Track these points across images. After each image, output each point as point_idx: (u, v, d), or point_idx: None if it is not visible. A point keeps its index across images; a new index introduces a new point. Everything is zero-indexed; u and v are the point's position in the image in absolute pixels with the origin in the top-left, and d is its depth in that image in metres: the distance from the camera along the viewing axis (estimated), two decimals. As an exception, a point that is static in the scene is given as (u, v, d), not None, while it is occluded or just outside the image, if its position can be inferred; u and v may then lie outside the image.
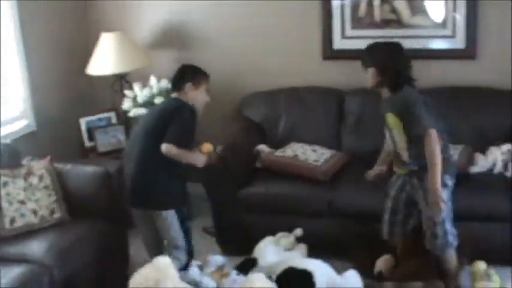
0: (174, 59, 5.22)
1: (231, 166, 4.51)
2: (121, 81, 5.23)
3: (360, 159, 4.59)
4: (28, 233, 3.91)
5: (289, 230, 4.27)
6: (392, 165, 4.04)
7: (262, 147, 4.86)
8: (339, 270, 3.85)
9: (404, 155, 3.84)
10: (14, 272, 3.51)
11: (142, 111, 4.84)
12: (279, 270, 3.81)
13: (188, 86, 3.97)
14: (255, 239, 4.25)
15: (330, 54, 5.13)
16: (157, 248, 4.06)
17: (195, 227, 4.66)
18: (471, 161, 4.46)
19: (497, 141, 4.52)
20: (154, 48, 5.43)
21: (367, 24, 5.03)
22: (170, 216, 3.91)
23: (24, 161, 4.23)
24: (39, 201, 4.02)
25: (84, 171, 4.26)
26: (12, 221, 3.90)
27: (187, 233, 4.05)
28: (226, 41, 5.33)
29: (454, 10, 4.82)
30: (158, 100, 4.87)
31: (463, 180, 4.30)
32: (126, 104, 5.04)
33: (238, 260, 4.06)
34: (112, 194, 4.22)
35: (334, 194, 4.40)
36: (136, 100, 5.01)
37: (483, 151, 4.52)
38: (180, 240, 3.98)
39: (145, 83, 5.05)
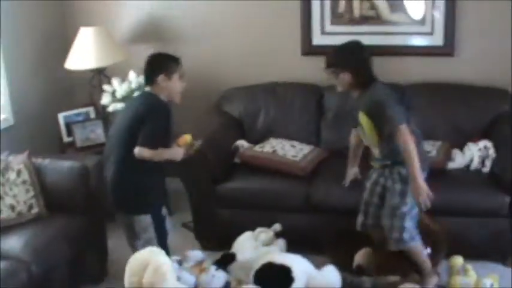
0: (153, 54, 5.20)
1: (210, 161, 4.50)
2: (100, 76, 5.20)
3: (338, 154, 4.60)
4: (5, 228, 3.88)
5: (268, 225, 4.28)
6: (365, 157, 4.11)
7: (241, 143, 4.87)
8: (318, 265, 3.86)
9: (376, 152, 3.88)
10: (-9, 267, 3.49)
11: (121, 106, 4.82)
12: (258, 265, 3.82)
13: (161, 78, 3.80)
14: (234, 234, 4.26)
15: (309, 49, 5.14)
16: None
17: (174, 222, 4.67)
18: (449, 157, 4.49)
19: (475, 138, 4.55)
20: (134, 43, 5.40)
21: (346, 20, 5.04)
22: (146, 220, 3.83)
23: (2, 156, 4.18)
24: (17, 196, 4.00)
25: (62, 166, 4.23)
26: (-11, 216, 3.88)
27: (163, 237, 3.93)
28: (205, 35, 5.32)
29: (433, 7, 4.85)
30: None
31: (440, 176, 4.35)
32: (105, 99, 5.02)
33: (217, 255, 4.07)
34: (90, 189, 4.20)
35: (312, 189, 4.41)
36: (115, 95, 4.98)
37: (461, 147, 4.56)
38: (154, 244, 3.83)
39: (124, 78, 5.03)
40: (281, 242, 4.22)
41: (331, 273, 3.83)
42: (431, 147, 4.50)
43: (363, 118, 3.81)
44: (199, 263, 3.96)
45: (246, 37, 5.27)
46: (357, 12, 5.00)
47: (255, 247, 4.10)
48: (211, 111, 5.15)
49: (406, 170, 3.71)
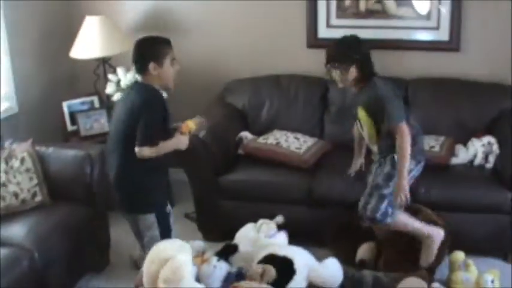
0: (158, 44, 5.20)
1: (213, 153, 4.51)
2: (104, 65, 5.21)
3: (341, 147, 4.61)
4: (9, 216, 3.90)
5: (271, 217, 4.28)
6: (368, 152, 4.15)
7: (245, 134, 4.87)
8: (319, 258, 3.86)
9: (374, 148, 3.91)
10: (-6, 254, 3.50)
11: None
12: (260, 257, 3.82)
13: (151, 66, 3.62)
14: (236, 225, 4.26)
15: (315, 42, 5.13)
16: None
17: (177, 213, 4.67)
18: (452, 153, 4.49)
19: (478, 133, 4.55)
20: (139, 33, 5.34)
21: (352, 14, 5.04)
22: (150, 218, 3.78)
23: (6, 144, 4.20)
24: (21, 184, 4.01)
25: (65, 155, 4.24)
26: (-7, 203, 3.90)
27: (167, 235, 3.85)
28: (210, 27, 5.32)
29: (439, 3, 4.84)
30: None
31: (444, 172, 4.36)
32: (110, 88, 5.02)
33: (219, 246, 4.07)
34: (93, 178, 4.20)
35: (315, 182, 4.41)
36: (120, 84, 4.98)
37: (464, 143, 4.55)
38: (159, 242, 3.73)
39: (129, 68, 5.01)
40: (283, 234, 4.22)
41: (332, 266, 3.83)
42: (435, 143, 4.50)
43: (362, 114, 3.81)
44: (200, 253, 3.97)
45: (251, 29, 5.26)
46: (362, 5, 5.00)
47: (257, 239, 4.10)
48: (215, 102, 5.15)
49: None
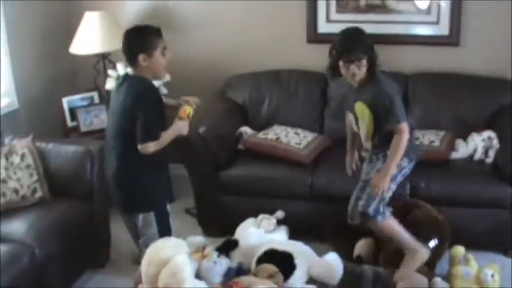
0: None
1: (213, 148, 4.51)
2: (104, 61, 5.20)
3: (341, 143, 4.57)
4: (9, 212, 3.90)
5: (271, 212, 4.29)
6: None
7: (245, 129, 4.87)
8: (320, 253, 3.87)
9: (367, 145, 3.87)
10: (-5, 250, 3.51)
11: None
12: (260, 252, 3.83)
13: (141, 58, 3.51)
14: (236, 220, 4.27)
15: (314, 37, 5.13)
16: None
17: (177, 208, 4.67)
18: (452, 147, 4.49)
19: (478, 128, 4.55)
20: (138, 28, 5.39)
21: (352, 9, 5.02)
22: (149, 217, 3.72)
23: (6, 140, 4.20)
24: (21, 180, 4.01)
25: (66, 151, 4.23)
26: (-7, 199, 3.90)
27: (167, 234, 3.77)
28: (210, 22, 5.31)
29: (439, -4, 4.84)
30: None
31: (444, 166, 4.36)
32: (109, 84, 5.02)
33: (220, 241, 4.08)
34: (93, 174, 4.20)
35: (315, 177, 4.41)
36: (120, 80, 4.98)
37: (464, 137, 4.55)
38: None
39: (128, 63, 5.02)
40: (283, 229, 4.23)
41: (333, 261, 3.84)
42: (435, 137, 4.50)
43: (363, 110, 3.75)
44: (200, 248, 3.97)
45: (251, 24, 5.25)
46: (362, 0, 4.99)
47: (257, 234, 4.11)
48: (215, 97, 5.15)
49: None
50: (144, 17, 5.38)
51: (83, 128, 5.11)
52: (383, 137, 3.74)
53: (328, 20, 5.08)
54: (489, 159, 4.40)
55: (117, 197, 3.75)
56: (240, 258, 3.94)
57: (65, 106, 5.20)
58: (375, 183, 3.70)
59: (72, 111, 5.18)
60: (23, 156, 4.06)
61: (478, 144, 4.43)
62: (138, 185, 3.64)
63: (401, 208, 4.02)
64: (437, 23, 4.89)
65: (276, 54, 5.23)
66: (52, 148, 4.24)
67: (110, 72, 5.05)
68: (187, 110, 3.76)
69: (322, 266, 3.77)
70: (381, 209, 3.78)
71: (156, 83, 4.44)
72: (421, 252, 3.85)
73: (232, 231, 4.21)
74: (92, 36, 5.01)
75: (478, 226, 4.20)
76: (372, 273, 3.84)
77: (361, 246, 4.10)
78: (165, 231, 3.77)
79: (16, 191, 3.97)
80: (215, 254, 3.85)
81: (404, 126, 3.64)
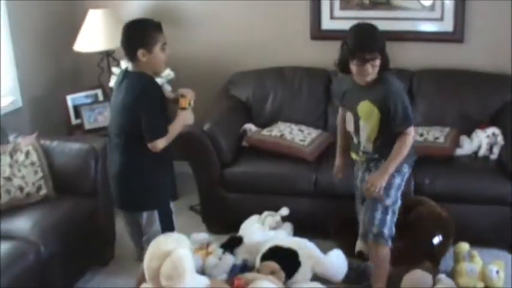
0: (161, 37, 5.20)
1: (218, 145, 4.51)
2: (108, 58, 5.21)
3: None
4: (14, 209, 3.91)
5: (275, 209, 4.29)
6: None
7: (249, 126, 4.87)
8: (324, 250, 3.87)
9: (368, 146, 3.65)
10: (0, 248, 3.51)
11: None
12: (265, 249, 3.83)
13: (140, 53, 3.42)
14: (241, 217, 4.27)
15: (318, 34, 5.13)
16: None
17: (181, 206, 4.69)
18: (456, 144, 4.49)
19: (483, 124, 4.54)
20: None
21: (355, 5, 5.02)
22: (153, 215, 3.68)
23: (11, 138, 4.20)
24: (25, 177, 4.01)
25: (70, 148, 4.24)
26: (-2, 197, 3.91)
27: (170, 231, 3.66)
28: (214, 19, 5.31)
29: (443, -7, 4.84)
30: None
31: (448, 163, 4.36)
32: (114, 82, 5.02)
33: (224, 238, 4.08)
34: (98, 171, 4.20)
35: (319, 173, 4.41)
36: (124, 77, 4.98)
37: (469, 134, 4.55)
38: None
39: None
40: (288, 226, 4.23)
41: (337, 258, 3.84)
42: (439, 134, 4.50)
43: (371, 110, 3.56)
44: (205, 245, 3.98)
45: (255, 21, 5.25)
46: (366, -3, 5.00)
47: (261, 231, 4.11)
48: (219, 95, 5.15)
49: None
50: (148, 14, 5.34)
51: (87, 126, 5.11)
52: (386, 140, 3.57)
53: (332, 17, 5.08)
54: (494, 156, 4.39)
55: (120, 194, 3.71)
56: (244, 255, 3.94)
57: (69, 104, 5.21)
58: (372, 181, 3.54)
59: (77, 109, 5.19)
60: (27, 154, 4.07)
61: (483, 140, 4.43)
62: (142, 183, 3.60)
63: (404, 205, 4.01)
64: (441, 19, 4.89)
65: (279, 51, 5.23)
66: (56, 146, 4.24)
67: (114, 69, 5.05)
68: (186, 99, 3.66)
69: (327, 263, 3.77)
70: (393, 231, 3.65)
71: (160, 80, 4.49)
72: None
73: (237, 228, 4.21)
74: (95, 34, 5.02)
75: (482, 223, 4.19)
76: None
77: (362, 242, 4.07)
78: (168, 229, 3.70)
79: (21, 189, 3.98)
80: (220, 251, 3.85)
81: (413, 129, 3.53)
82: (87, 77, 5.50)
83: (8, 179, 3.96)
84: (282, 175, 4.48)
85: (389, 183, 3.58)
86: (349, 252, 3.92)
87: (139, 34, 3.48)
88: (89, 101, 5.24)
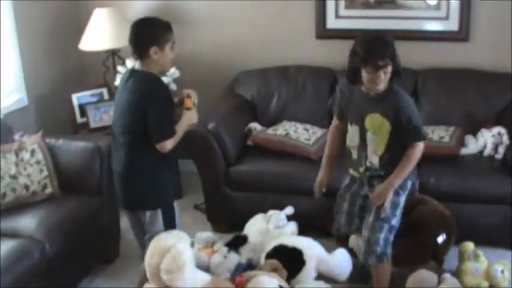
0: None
1: (223, 143, 4.52)
2: (114, 57, 5.22)
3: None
4: (19, 207, 3.91)
5: (280, 208, 4.29)
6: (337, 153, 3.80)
7: (254, 125, 4.87)
8: (329, 249, 3.88)
9: (374, 160, 3.50)
10: (5, 246, 3.51)
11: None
12: (269, 247, 3.84)
13: (153, 51, 3.40)
14: (245, 216, 4.28)
15: (323, 33, 5.13)
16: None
17: (186, 204, 4.69)
18: (461, 143, 4.48)
19: (488, 124, 4.54)
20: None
21: (360, 4, 5.02)
22: (157, 214, 3.63)
23: (16, 136, 4.22)
24: (31, 176, 4.02)
25: (75, 147, 4.24)
26: (4, 195, 3.91)
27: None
28: (219, 19, 5.31)
29: (449, -8, 4.83)
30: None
31: (453, 162, 4.35)
32: (119, 80, 5.03)
33: (229, 237, 4.10)
34: (103, 170, 4.20)
35: (324, 173, 4.40)
36: (129, 76, 4.99)
37: (474, 133, 4.54)
38: None
39: (138, 59, 5.03)
40: (293, 225, 4.24)
41: (342, 257, 3.85)
42: (445, 133, 4.49)
43: (381, 123, 3.41)
44: (209, 244, 3.98)
45: (260, 20, 5.25)
46: (371, -4, 5.00)
47: (266, 230, 4.12)
48: (224, 94, 5.16)
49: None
50: (153, 13, 5.35)
51: (93, 124, 5.12)
52: (394, 155, 3.43)
53: (337, 16, 5.08)
54: (499, 155, 4.39)
55: (124, 193, 3.67)
56: (249, 254, 3.95)
57: (75, 102, 5.22)
58: (377, 194, 3.45)
59: (82, 108, 5.20)
60: (33, 152, 4.08)
61: (488, 140, 4.43)
62: (147, 182, 3.58)
63: (407, 205, 4.00)
64: (446, 18, 4.88)
65: (284, 50, 5.23)
66: (62, 144, 4.25)
67: (120, 68, 5.06)
68: (191, 100, 3.65)
69: (332, 262, 3.77)
70: (390, 249, 3.58)
71: (165, 79, 4.49)
72: None
73: (241, 227, 4.22)
74: (101, 33, 5.03)
75: (487, 222, 4.19)
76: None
77: (354, 240, 4.01)
78: (171, 228, 3.68)
79: (26, 187, 3.99)
80: (225, 250, 3.86)
81: (422, 145, 3.42)
82: (93, 75, 5.51)
83: (14, 177, 3.97)
84: (287, 174, 4.48)
85: (396, 202, 3.50)
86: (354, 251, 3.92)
87: (153, 31, 3.46)
88: (94, 99, 5.24)
